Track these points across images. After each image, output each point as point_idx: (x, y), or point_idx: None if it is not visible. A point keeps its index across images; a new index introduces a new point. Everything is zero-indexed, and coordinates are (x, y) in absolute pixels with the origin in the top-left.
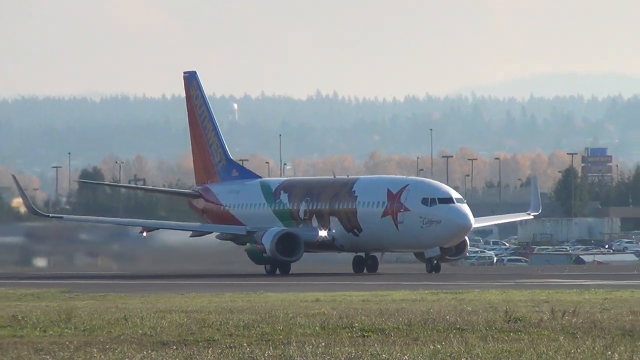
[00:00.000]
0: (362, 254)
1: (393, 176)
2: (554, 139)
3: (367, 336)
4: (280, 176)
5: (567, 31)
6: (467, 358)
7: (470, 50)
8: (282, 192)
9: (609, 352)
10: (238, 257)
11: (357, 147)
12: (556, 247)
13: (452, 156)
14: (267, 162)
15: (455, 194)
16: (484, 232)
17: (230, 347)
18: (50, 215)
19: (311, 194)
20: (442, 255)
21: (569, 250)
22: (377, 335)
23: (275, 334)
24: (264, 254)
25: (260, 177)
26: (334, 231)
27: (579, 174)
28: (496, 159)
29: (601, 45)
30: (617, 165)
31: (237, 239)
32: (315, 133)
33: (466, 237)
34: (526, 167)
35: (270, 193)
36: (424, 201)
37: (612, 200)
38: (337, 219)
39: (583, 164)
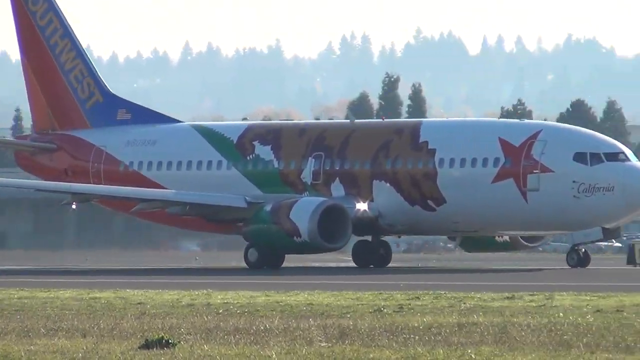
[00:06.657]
0: (369, 238)
1: (504, 120)
2: None
3: None
4: None
5: None
6: None
7: None
8: (257, 143)
9: None
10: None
11: None
12: None
13: None
14: None
15: (624, 147)
16: None
17: None
18: None
19: (323, 146)
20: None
21: None
22: None
23: None
24: (295, 238)
25: (177, 120)
26: (378, 203)
27: None
28: None
29: None
30: None
31: (218, 215)
32: None
33: None
34: None
35: (229, 144)
36: (580, 157)
37: None
38: (387, 184)
39: None
